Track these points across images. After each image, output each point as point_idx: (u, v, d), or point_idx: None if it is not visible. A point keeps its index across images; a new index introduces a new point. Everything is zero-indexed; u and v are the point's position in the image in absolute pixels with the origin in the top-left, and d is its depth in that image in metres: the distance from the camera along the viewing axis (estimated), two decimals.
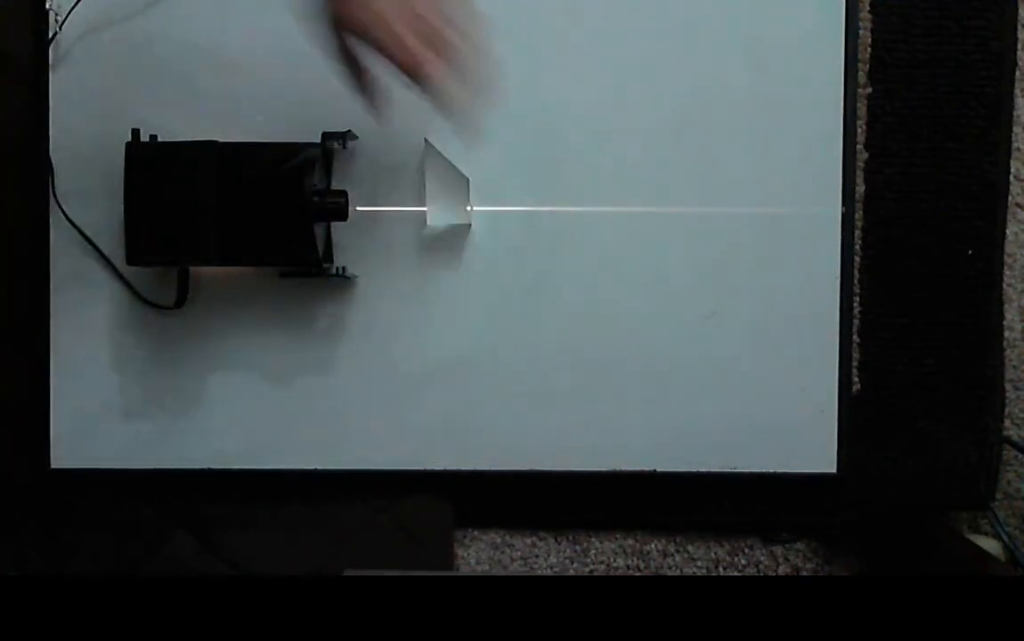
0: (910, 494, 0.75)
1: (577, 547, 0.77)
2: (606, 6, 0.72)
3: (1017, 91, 0.76)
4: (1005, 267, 0.76)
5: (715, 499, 0.75)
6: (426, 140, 0.70)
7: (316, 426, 0.73)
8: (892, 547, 0.77)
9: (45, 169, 0.72)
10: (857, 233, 0.74)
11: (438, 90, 0.59)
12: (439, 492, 0.74)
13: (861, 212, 0.74)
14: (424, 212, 0.71)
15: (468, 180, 0.71)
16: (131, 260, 0.66)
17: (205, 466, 0.73)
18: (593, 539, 0.77)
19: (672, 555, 0.77)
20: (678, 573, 0.77)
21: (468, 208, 0.71)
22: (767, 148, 0.72)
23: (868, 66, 0.74)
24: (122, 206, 0.66)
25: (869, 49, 0.74)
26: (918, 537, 0.77)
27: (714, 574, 0.77)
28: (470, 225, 0.72)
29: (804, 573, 0.77)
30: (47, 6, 0.71)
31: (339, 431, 0.73)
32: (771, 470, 0.73)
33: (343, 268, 0.70)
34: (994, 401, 0.75)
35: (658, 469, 0.73)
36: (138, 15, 0.72)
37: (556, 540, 0.77)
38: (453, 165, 0.70)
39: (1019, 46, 0.76)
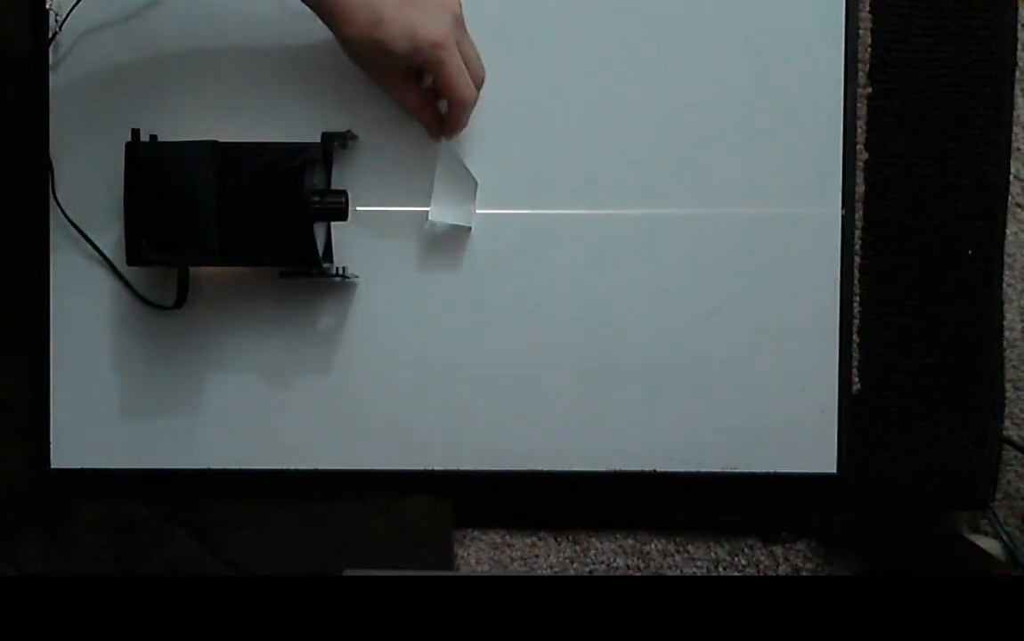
0: (910, 494, 0.75)
1: (577, 547, 0.77)
2: (605, 6, 0.72)
3: (1017, 91, 0.76)
4: (1005, 267, 0.76)
5: (715, 499, 0.75)
6: (443, 140, 0.70)
7: (316, 426, 0.73)
8: (892, 547, 0.77)
9: (45, 169, 0.72)
10: (857, 233, 0.74)
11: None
12: (439, 492, 0.74)
13: (861, 212, 0.74)
14: (424, 212, 0.71)
15: (477, 183, 0.71)
16: (131, 260, 0.66)
17: (205, 466, 0.73)
18: (593, 539, 0.77)
19: (672, 555, 0.77)
20: (678, 573, 0.77)
21: (473, 211, 0.71)
22: (767, 148, 0.72)
23: (868, 66, 0.74)
24: (122, 206, 0.66)
25: (869, 49, 0.74)
26: (918, 537, 0.77)
27: (714, 574, 0.77)
28: (470, 227, 0.72)
29: (804, 573, 0.77)
30: (47, 6, 0.71)
31: (339, 431, 0.73)
32: (771, 470, 0.73)
33: (343, 268, 0.70)
34: (994, 401, 0.75)
35: (658, 469, 0.73)
36: (138, 15, 0.72)
37: (556, 540, 0.77)
38: (465, 167, 0.70)
39: (1019, 46, 0.76)
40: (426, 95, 0.68)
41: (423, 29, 0.62)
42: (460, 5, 0.65)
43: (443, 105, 0.68)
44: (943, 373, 0.74)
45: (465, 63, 0.65)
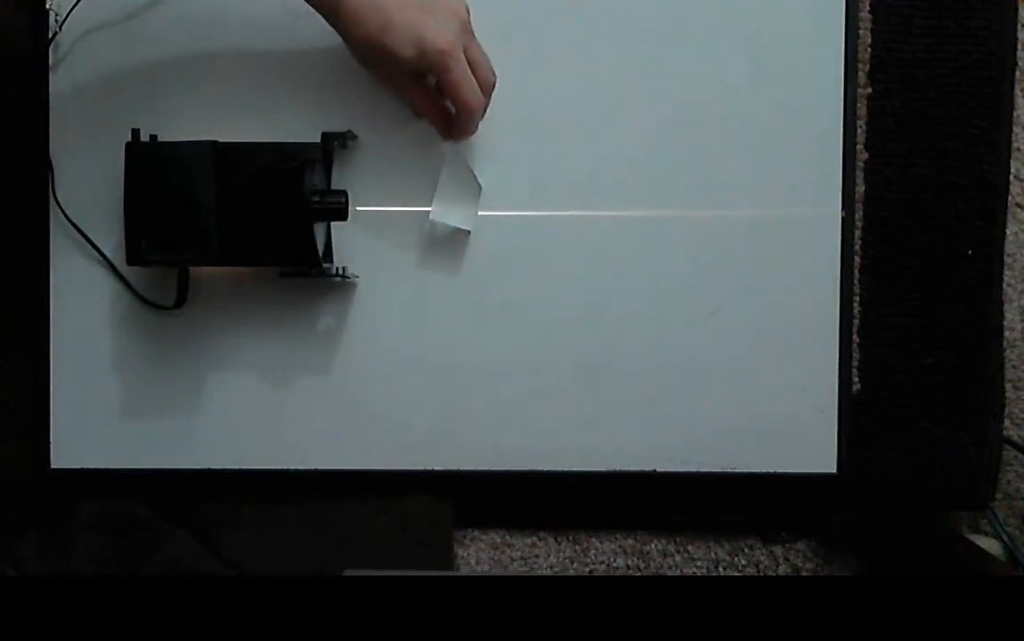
0: (910, 494, 0.75)
1: (577, 547, 0.77)
2: (605, 6, 0.72)
3: (1017, 91, 0.76)
4: (1005, 267, 0.76)
5: (715, 499, 0.75)
6: (451, 144, 0.70)
7: (316, 426, 0.73)
8: (892, 547, 0.77)
9: (45, 169, 0.72)
10: (857, 233, 0.74)
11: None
12: (439, 492, 0.74)
13: (861, 212, 0.74)
14: (424, 213, 0.71)
15: (481, 187, 0.70)
16: (131, 260, 0.66)
17: (205, 466, 0.73)
18: (593, 539, 0.77)
19: (672, 555, 0.77)
20: (678, 573, 0.77)
21: (475, 214, 0.71)
22: (767, 148, 0.72)
23: (868, 66, 0.74)
24: (122, 206, 0.66)
25: (869, 49, 0.74)
26: (918, 537, 0.77)
27: (714, 574, 0.77)
28: (470, 231, 0.72)
29: (804, 573, 0.77)
30: (47, 6, 0.71)
31: (339, 431, 0.73)
32: (771, 470, 0.73)
33: (343, 268, 0.70)
34: (994, 401, 0.75)
35: (658, 469, 0.73)
36: (138, 15, 0.72)
37: (556, 540, 0.77)
38: (471, 171, 0.70)
39: (1019, 46, 0.76)
40: (435, 97, 0.68)
41: (430, 35, 0.62)
42: (468, 11, 0.65)
43: (452, 108, 0.68)
44: (943, 373, 0.74)
45: (473, 69, 0.65)
